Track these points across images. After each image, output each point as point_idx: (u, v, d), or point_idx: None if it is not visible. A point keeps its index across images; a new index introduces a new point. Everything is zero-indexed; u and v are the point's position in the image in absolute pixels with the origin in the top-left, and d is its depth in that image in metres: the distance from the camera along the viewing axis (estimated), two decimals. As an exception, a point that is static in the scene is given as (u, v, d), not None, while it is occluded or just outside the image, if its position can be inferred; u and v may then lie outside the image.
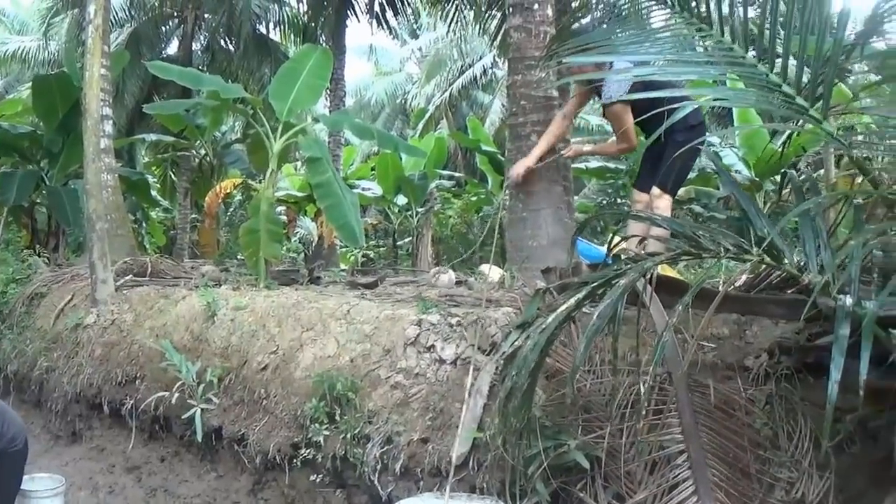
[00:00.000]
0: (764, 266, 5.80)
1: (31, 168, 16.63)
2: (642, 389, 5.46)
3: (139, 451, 9.42)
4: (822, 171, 20.14)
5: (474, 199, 26.15)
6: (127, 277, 11.42)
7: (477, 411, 6.45)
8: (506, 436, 5.81)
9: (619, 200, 20.05)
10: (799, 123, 5.37)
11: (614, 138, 9.12)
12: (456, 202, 26.40)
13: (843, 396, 4.99)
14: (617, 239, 5.64)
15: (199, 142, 21.27)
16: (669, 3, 5.92)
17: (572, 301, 4.75)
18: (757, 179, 19.84)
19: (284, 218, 21.75)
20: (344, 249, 25.81)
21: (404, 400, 7.05)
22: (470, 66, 34.84)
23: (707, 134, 9.51)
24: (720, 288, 6.25)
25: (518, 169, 9.10)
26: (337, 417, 7.21)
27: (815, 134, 5.62)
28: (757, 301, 6.22)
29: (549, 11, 9.43)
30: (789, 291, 6.29)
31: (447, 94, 34.31)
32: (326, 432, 7.21)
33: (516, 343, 5.58)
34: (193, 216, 24.20)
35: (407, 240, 27.39)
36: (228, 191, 15.17)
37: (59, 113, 15.58)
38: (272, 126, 11.41)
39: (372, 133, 12.67)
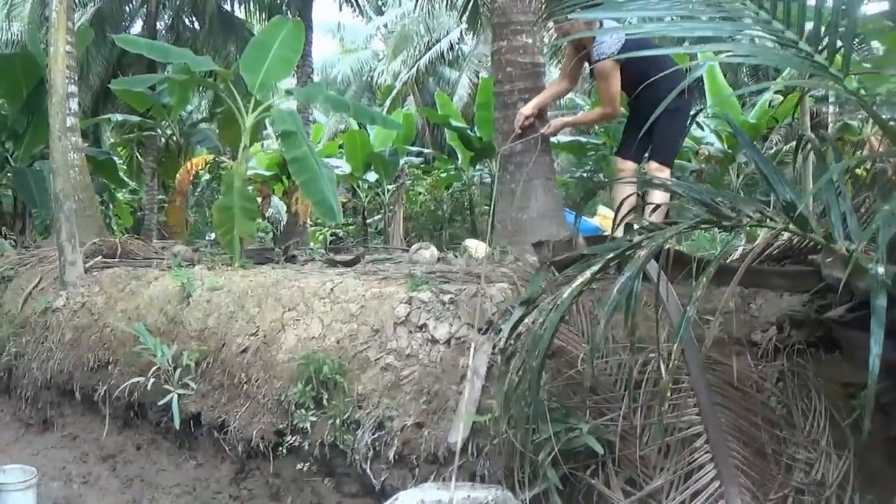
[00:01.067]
0: (779, 237, 5.47)
1: (-5, 153, 16.14)
2: (664, 369, 5.05)
3: (114, 438, 9.04)
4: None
5: (444, 175, 25.88)
6: (97, 259, 11.06)
7: (475, 394, 6.05)
8: (514, 420, 5.39)
9: (599, 173, 19.80)
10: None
11: (589, 108, 8.86)
12: (426, 179, 26.10)
13: (855, 371, 4.70)
14: (625, 209, 5.20)
15: (165, 121, 20.78)
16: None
17: (587, 274, 4.34)
18: (730, 152, 19.62)
19: (258, 195, 21.25)
20: (314, 228, 25.46)
21: (396, 382, 6.66)
22: (437, 42, 34.55)
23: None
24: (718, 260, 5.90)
25: (520, 116, 8.75)
26: (324, 402, 6.84)
27: (835, 94, 5.27)
28: (761, 272, 5.92)
29: (536, -26, 9.05)
30: (785, 263, 6.03)
31: (414, 70, 34.04)
32: (313, 418, 6.83)
33: (522, 321, 5.21)
34: (160, 197, 23.77)
35: (377, 217, 27.02)
36: (199, 168, 14.70)
37: (23, 92, 15.12)
38: (243, 101, 10.94)
39: (347, 106, 12.23)
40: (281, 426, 7.13)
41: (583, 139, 21.70)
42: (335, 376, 6.76)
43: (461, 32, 31.93)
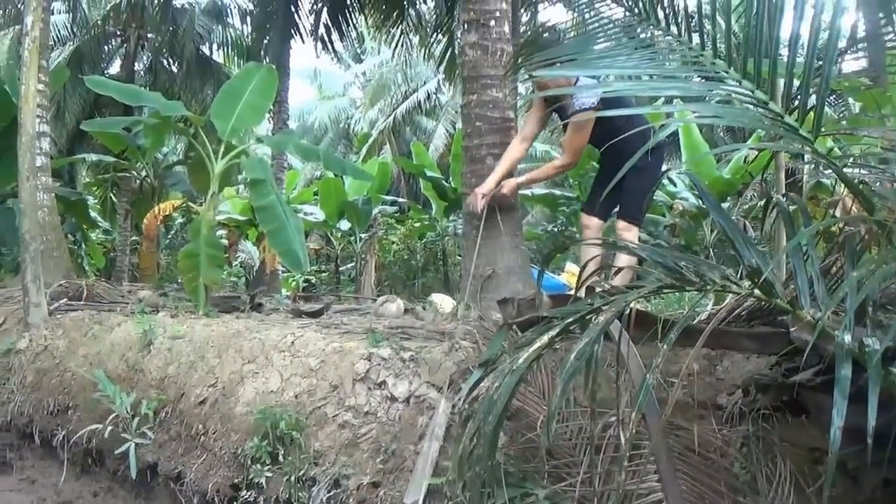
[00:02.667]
0: (747, 299, 5.37)
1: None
2: (622, 436, 4.91)
3: (71, 485, 8.85)
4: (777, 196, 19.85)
5: (418, 225, 25.81)
6: (62, 301, 10.91)
7: (432, 454, 5.88)
8: (468, 484, 5.24)
9: (571, 228, 19.74)
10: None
11: (550, 161, 8.76)
12: (399, 228, 26.05)
13: (822, 437, 4.58)
14: (589, 269, 5.08)
15: (139, 163, 20.62)
16: (636, 10, 5.46)
17: (545, 338, 4.22)
18: (703, 206, 19.56)
19: (226, 242, 21.11)
20: (286, 275, 25.33)
21: (353, 440, 6.46)
22: (414, 92, 34.64)
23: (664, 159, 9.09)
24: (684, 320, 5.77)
25: (476, 198, 8.57)
26: (280, 457, 6.63)
27: (806, 154, 5.18)
28: (728, 334, 5.78)
29: (506, 28, 8.99)
30: (755, 324, 5.91)
31: (391, 118, 34.15)
32: (269, 473, 6.63)
33: (480, 383, 5.07)
34: (133, 238, 23.62)
35: (349, 265, 26.93)
36: (167, 213, 14.57)
37: (-5, 129, 14.93)
38: (214, 147, 10.82)
39: (317, 154, 12.09)
40: (237, 480, 6.93)
41: (556, 192, 21.64)
42: (292, 432, 6.58)
43: (438, 82, 32.09)
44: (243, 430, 7.07)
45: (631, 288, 4.61)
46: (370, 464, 6.25)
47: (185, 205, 14.61)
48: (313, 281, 27.23)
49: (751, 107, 4.67)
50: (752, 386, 5.37)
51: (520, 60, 7.19)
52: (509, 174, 8.66)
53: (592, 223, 8.49)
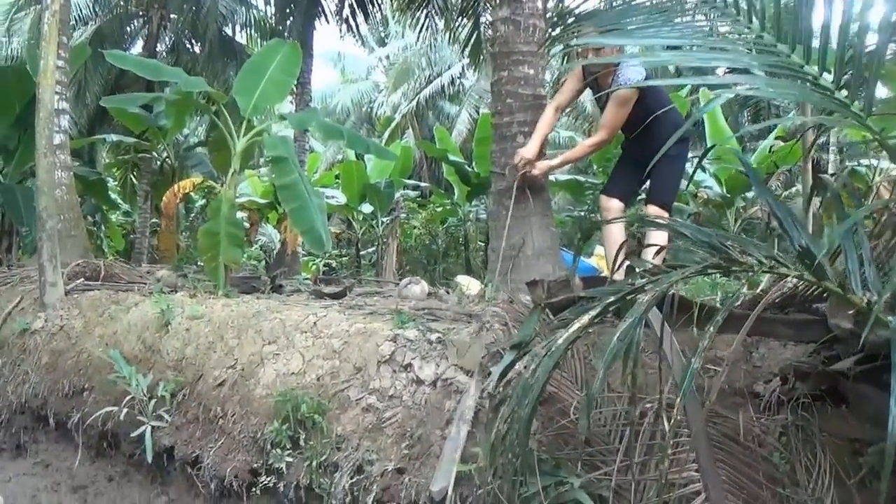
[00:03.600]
0: (784, 284, 5.13)
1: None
2: (665, 423, 4.67)
3: (86, 468, 8.60)
4: (797, 188, 19.76)
5: (440, 209, 25.63)
6: (78, 281, 10.62)
7: (460, 440, 5.64)
8: (499, 471, 4.99)
9: (596, 213, 19.53)
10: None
11: (582, 140, 8.53)
12: (421, 212, 25.85)
13: (863, 427, 4.34)
14: (622, 251, 4.85)
15: (160, 144, 20.48)
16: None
17: (585, 319, 3.99)
18: (728, 196, 19.33)
19: (247, 222, 20.91)
20: (306, 258, 25.13)
21: (377, 424, 6.23)
22: (438, 76, 34.40)
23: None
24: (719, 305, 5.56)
25: (526, 153, 8.36)
26: (301, 442, 6.41)
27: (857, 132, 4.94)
28: (764, 321, 5.56)
29: (539, 3, 8.71)
30: (789, 311, 5.70)
31: (414, 103, 33.86)
32: (289, 458, 6.40)
33: (513, 367, 4.84)
34: (153, 220, 23.48)
35: (370, 249, 26.72)
36: (187, 191, 14.32)
37: (16, 107, 14.67)
38: (235, 125, 10.59)
39: (341, 133, 11.81)
40: (256, 465, 6.71)
41: (581, 178, 21.42)
42: (314, 415, 6.35)
43: (463, 67, 31.86)
44: (263, 414, 6.85)
45: (673, 268, 4.38)
46: (395, 449, 6.02)
47: (205, 184, 14.34)
48: (334, 265, 27.06)
49: (800, 82, 4.44)
50: (791, 374, 5.18)
51: (557, 31, 6.96)
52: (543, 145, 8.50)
53: (613, 206, 8.35)
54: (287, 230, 17.34)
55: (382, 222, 24.01)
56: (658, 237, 7.29)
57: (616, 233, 8.06)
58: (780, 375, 5.31)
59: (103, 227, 24.42)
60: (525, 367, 4.65)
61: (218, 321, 8.08)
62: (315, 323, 7.35)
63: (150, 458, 7.39)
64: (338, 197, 25.37)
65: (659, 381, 4.68)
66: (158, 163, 22.20)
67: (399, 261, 25.44)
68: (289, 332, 7.38)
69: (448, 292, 9.56)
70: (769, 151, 19.49)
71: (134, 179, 24.73)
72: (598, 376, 3.84)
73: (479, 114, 28.33)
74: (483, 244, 23.21)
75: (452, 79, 34.13)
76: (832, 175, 14.63)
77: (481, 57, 19.95)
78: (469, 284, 9.00)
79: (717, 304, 6.69)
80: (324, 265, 26.71)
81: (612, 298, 4.05)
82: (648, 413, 5.16)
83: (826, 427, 4.89)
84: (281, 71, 11.10)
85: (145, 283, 10.72)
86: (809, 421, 4.92)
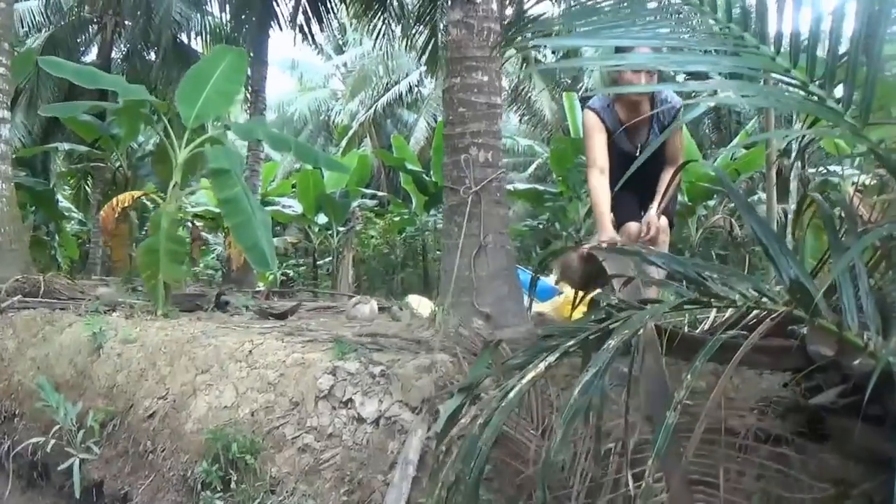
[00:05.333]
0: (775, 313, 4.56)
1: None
2: (630, 482, 4.02)
3: (16, 499, 8.04)
4: (759, 195, 19.43)
5: (397, 219, 25.24)
6: (15, 298, 10.05)
7: (403, 489, 4.99)
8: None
9: (556, 225, 19.02)
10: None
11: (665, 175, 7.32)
12: (378, 222, 25.40)
13: (847, 467, 4.01)
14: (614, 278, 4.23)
15: (113, 153, 19.87)
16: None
17: (541, 367, 3.40)
18: (690, 204, 18.87)
19: (188, 236, 20.26)
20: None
21: (314, 466, 5.58)
22: (396, 84, 33.88)
23: None
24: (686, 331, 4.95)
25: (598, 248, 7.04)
26: (233, 484, 5.76)
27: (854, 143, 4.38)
28: (737, 348, 4.94)
29: (494, 6, 8.05)
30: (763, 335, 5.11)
31: (372, 111, 33.39)
32: (220, 502, 5.75)
33: (461, 411, 4.20)
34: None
35: (328, 259, 26.17)
36: (126, 204, 13.65)
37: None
38: (179, 135, 9.98)
39: (289, 144, 11.20)
40: (186, 506, 6.04)
41: (540, 187, 20.99)
42: (245, 456, 5.70)
43: (420, 75, 31.43)
44: (193, 451, 6.25)
45: (644, 303, 3.77)
46: (333, 495, 5.39)
47: (147, 196, 13.72)
48: (291, 275, 26.55)
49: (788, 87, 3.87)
50: (769, 408, 4.61)
51: (512, 32, 6.31)
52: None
53: (633, 230, 7.01)
54: (231, 246, 16.58)
55: (338, 232, 23.46)
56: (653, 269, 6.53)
57: (616, 264, 7.12)
58: (756, 410, 4.71)
59: (57, 237, 23.80)
60: (475, 415, 4.00)
61: (151, 346, 7.51)
62: (251, 351, 6.72)
63: (77, 494, 6.81)
64: (294, 207, 25.07)
65: (626, 430, 4.01)
66: (111, 172, 21.57)
67: (357, 271, 24.97)
68: (223, 360, 6.77)
69: (401, 308, 9.01)
70: (731, 159, 19.05)
71: (87, 188, 24.15)
72: (556, 436, 3.21)
73: (436, 122, 27.82)
74: (441, 253, 22.74)
75: (410, 86, 33.68)
76: (801, 182, 14.27)
77: (438, 64, 19.43)
78: (419, 304, 8.42)
79: (684, 329, 6.07)
80: (281, 275, 26.19)
81: (571, 342, 3.44)
82: (612, 453, 4.53)
83: (808, 467, 4.30)
84: (226, 79, 10.49)
85: (87, 300, 10.09)
86: (788, 460, 4.32)
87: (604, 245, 6.26)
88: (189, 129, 10.02)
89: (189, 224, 20.22)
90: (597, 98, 7.04)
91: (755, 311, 4.63)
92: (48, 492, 7.80)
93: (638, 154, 6.89)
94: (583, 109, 7.20)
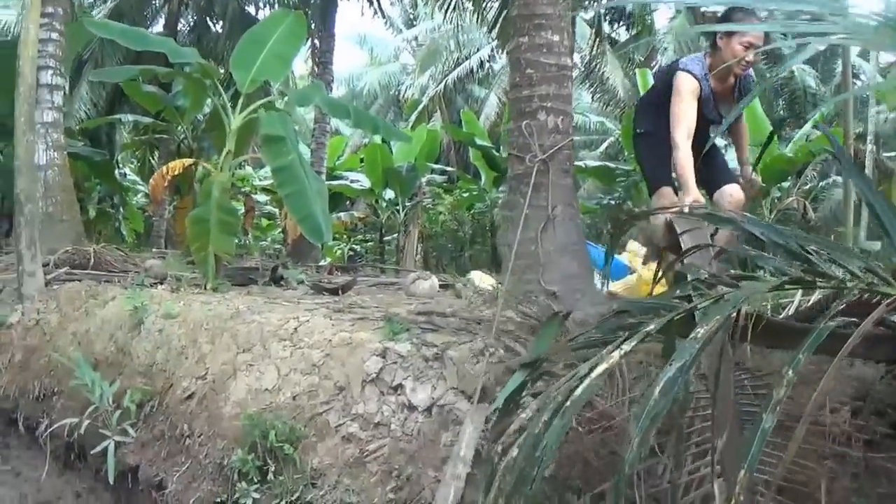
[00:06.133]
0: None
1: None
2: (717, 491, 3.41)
3: (53, 482, 7.64)
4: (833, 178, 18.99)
5: (466, 195, 24.72)
6: (63, 269, 9.75)
7: (457, 485, 4.41)
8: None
9: (628, 202, 18.43)
10: None
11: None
12: (447, 198, 24.82)
13: None
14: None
15: (178, 124, 19.47)
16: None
17: (615, 356, 2.82)
18: (763, 185, 18.18)
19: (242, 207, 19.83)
20: (331, 242, 24.22)
21: (359, 458, 5.04)
22: (467, 59, 33.28)
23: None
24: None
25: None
26: (271, 475, 5.25)
27: None
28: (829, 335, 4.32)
29: (567, -44, 7.44)
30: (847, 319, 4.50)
31: (442, 85, 32.77)
32: (256, 494, 5.25)
33: (522, 391, 3.61)
34: (174, 203, 22.56)
35: (395, 235, 25.72)
36: (177, 171, 13.15)
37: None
38: (233, 100, 9.74)
39: (347, 111, 10.63)
40: (222, 497, 5.57)
41: (611, 164, 20.37)
42: (284, 445, 5.15)
43: (492, 49, 30.79)
44: (231, 437, 5.74)
45: (737, 280, 3.18)
46: (379, 491, 4.85)
47: (196, 164, 13.23)
48: (359, 250, 26.18)
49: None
50: (866, 405, 4.07)
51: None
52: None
53: (670, 195, 6.94)
54: (286, 217, 15.93)
55: (405, 207, 23.26)
56: (723, 236, 6.04)
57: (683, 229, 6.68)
58: (850, 408, 4.07)
59: (122, 210, 23.49)
60: (538, 408, 3.38)
61: (192, 322, 7.03)
62: (296, 329, 6.19)
63: (111, 479, 6.35)
64: (361, 181, 24.74)
65: (713, 436, 3.40)
66: (176, 143, 21.22)
67: (424, 248, 24.57)
68: (266, 338, 6.26)
69: (464, 285, 8.46)
70: (806, 140, 18.38)
71: (152, 160, 23.84)
72: (632, 443, 2.61)
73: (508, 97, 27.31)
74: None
75: (481, 61, 32.93)
76: (877, 166, 13.87)
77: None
78: (482, 280, 7.85)
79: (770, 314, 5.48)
80: (349, 250, 25.80)
81: (653, 326, 2.85)
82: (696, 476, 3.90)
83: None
84: (283, 43, 10.05)
85: (137, 273, 9.73)
86: (888, 462, 3.75)
87: (690, 205, 5.96)
88: (244, 94, 9.59)
89: (244, 194, 19.90)
90: (694, 64, 6.69)
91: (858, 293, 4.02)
92: (85, 475, 7.39)
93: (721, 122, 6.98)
94: (675, 72, 6.72)
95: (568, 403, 2.70)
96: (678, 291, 3.22)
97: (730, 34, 6.41)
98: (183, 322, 7.07)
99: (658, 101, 6.93)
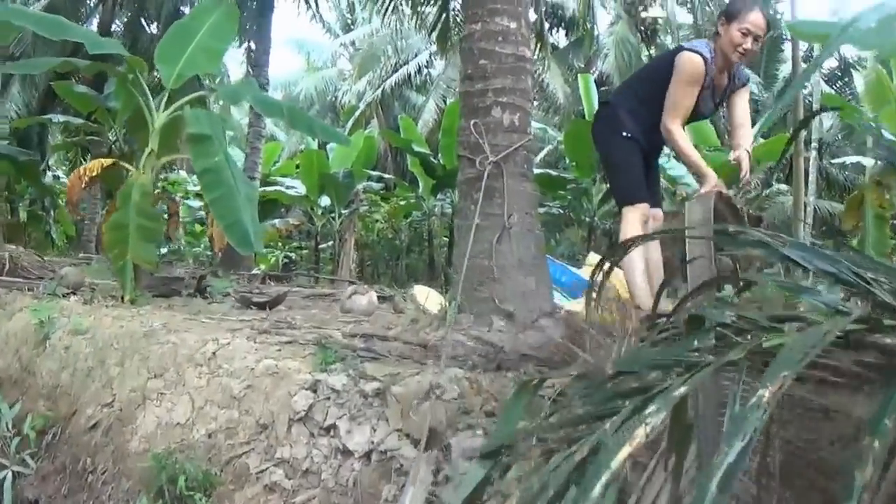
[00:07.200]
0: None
1: None
2: None
3: None
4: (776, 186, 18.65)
5: (403, 203, 24.13)
6: None
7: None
8: None
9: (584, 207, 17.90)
10: None
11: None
12: (384, 206, 24.13)
13: None
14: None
15: (110, 126, 18.62)
16: None
17: (640, 433, 1.92)
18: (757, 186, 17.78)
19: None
20: (264, 250, 23.49)
21: (285, 513, 4.10)
22: (405, 64, 32.63)
23: None
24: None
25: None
26: (180, 530, 4.32)
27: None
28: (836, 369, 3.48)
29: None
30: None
31: (380, 91, 32.11)
32: (160, 552, 4.33)
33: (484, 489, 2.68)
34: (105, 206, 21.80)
35: (331, 243, 24.98)
36: (95, 172, 12.25)
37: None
38: (157, 97, 8.94)
39: (281, 109, 9.75)
40: (125, 548, 4.66)
41: (552, 172, 19.73)
42: (196, 494, 4.27)
43: (430, 55, 30.25)
44: (137, 477, 4.90)
45: (779, 321, 2.36)
46: (304, 554, 3.93)
47: (114, 164, 12.36)
48: (294, 258, 25.46)
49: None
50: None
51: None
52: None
53: (658, 214, 6.30)
54: (213, 224, 14.74)
55: (341, 215, 22.50)
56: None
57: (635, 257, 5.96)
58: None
59: (52, 213, 22.68)
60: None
61: (102, 340, 6.18)
62: (214, 353, 5.27)
63: None
64: (297, 188, 24.16)
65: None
66: (108, 146, 20.36)
67: (360, 256, 23.90)
68: (180, 363, 5.38)
69: (405, 300, 7.66)
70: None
71: (84, 163, 23.04)
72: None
73: (446, 104, 26.63)
74: (447, 239, 21.72)
75: (419, 67, 32.37)
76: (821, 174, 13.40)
77: (449, 44, 18.26)
78: (427, 297, 7.03)
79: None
80: (284, 257, 25.04)
81: (682, 389, 2.00)
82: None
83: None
84: (212, 36, 9.23)
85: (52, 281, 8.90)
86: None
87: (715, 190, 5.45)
88: (168, 90, 8.79)
89: (169, 198, 19.10)
90: (703, 47, 5.96)
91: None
92: None
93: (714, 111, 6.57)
94: (680, 51, 5.98)
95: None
96: (695, 340, 2.37)
97: (730, 19, 5.80)
98: (91, 339, 6.27)
99: (649, 96, 6.12)
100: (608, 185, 6.68)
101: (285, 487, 4.15)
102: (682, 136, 5.96)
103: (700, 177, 6.05)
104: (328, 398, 4.31)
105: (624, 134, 6.10)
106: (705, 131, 16.45)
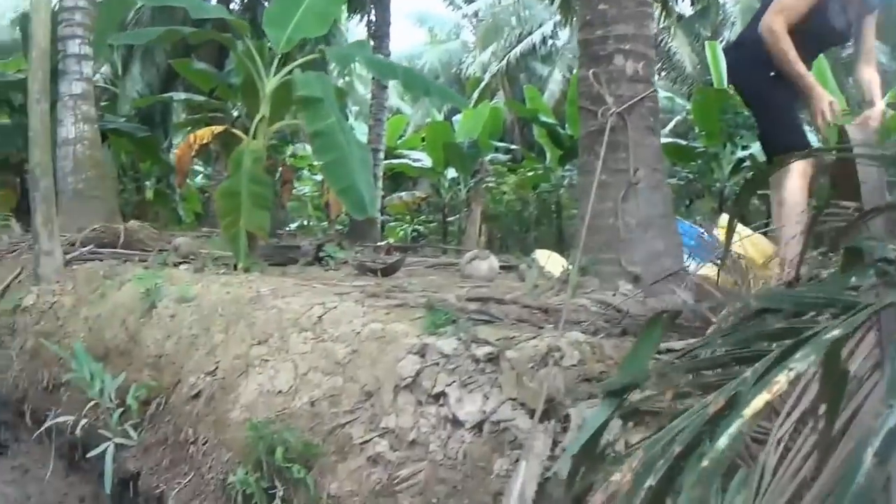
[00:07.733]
0: None
1: (17, 119, 14.10)
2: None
3: (58, 483, 6.87)
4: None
5: (531, 174, 23.92)
6: (85, 248, 9.00)
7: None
8: None
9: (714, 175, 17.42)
10: None
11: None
12: (511, 177, 23.81)
13: None
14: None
15: (231, 102, 18.77)
16: None
17: (781, 379, 1.58)
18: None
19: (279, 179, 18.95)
20: (393, 223, 23.31)
21: (388, 486, 3.81)
22: (529, 34, 32.24)
23: None
24: None
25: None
26: (279, 500, 4.14)
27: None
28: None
29: None
30: None
31: (504, 62, 31.80)
32: (259, 527, 4.12)
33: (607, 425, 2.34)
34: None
35: (458, 216, 24.80)
36: (205, 140, 12.09)
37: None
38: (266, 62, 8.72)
39: (395, 71, 9.54)
40: (224, 523, 4.49)
41: (681, 141, 19.26)
42: (294, 466, 4.00)
43: (554, 25, 29.83)
44: (237, 448, 4.69)
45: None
46: (411, 532, 3.63)
47: (227, 131, 12.17)
48: (422, 231, 25.36)
49: None
50: None
51: None
52: None
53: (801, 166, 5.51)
54: (327, 190, 14.41)
55: (468, 186, 22.70)
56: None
57: (797, 193, 5.39)
58: None
59: (178, 190, 22.90)
60: (637, 469, 2.11)
61: (207, 307, 6.04)
62: (320, 317, 5.05)
63: (107, 488, 5.52)
64: (423, 160, 24.09)
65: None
66: (231, 122, 20.48)
67: (489, 228, 24.00)
68: (285, 328, 5.17)
69: (528, 266, 7.59)
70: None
71: (208, 139, 23.25)
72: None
73: (571, 74, 26.25)
74: (576, 212, 21.53)
75: (544, 38, 32.01)
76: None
77: (572, 12, 17.94)
78: (549, 261, 6.71)
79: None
80: (412, 231, 24.96)
81: (837, 331, 1.63)
82: None
83: None
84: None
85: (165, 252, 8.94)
86: None
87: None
88: (279, 54, 8.64)
89: (283, 164, 19.12)
90: None
91: None
92: (91, 477, 6.50)
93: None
94: None
95: (706, 463, 1.49)
96: (853, 279, 1.99)
97: None
98: (197, 307, 6.12)
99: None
100: (758, 134, 6.06)
101: (390, 460, 3.86)
102: (787, 41, 5.34)
103: (807, 91, 5.44)
104: (437, 363, 4.01)
105: (771, 74, 5.57)
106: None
